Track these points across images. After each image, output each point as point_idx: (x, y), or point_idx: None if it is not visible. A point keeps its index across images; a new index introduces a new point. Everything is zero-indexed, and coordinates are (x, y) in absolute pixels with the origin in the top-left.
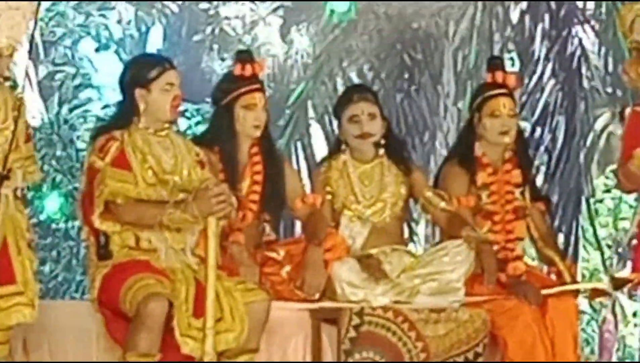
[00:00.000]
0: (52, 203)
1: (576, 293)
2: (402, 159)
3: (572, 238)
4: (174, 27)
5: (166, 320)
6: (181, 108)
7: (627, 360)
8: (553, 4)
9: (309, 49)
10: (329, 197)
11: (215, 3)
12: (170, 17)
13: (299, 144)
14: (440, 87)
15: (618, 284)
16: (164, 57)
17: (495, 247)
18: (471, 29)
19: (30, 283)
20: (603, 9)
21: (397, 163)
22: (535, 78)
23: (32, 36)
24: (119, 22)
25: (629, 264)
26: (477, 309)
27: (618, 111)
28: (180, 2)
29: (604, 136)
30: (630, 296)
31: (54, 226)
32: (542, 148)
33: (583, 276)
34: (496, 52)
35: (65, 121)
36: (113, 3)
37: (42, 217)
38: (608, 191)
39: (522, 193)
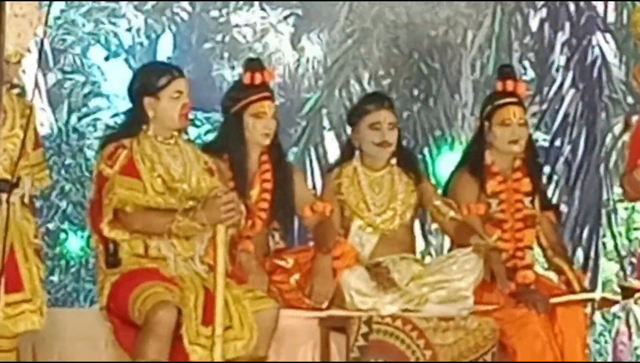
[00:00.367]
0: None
1: (585, 302)
2: (412, 167)
3: (593, 251)
4: (184, 35)
5: (175, 328)
6: (191, 116)
7: None
8: (573, 12)
9: (320, 57)
10: (340, 204)
11: (225, 11)
12: (180, 25)
13: (313, 153)
14: (458, 96)
15: (627, 293)
16: (173, 65)
17: (505, 255)
18: (489, 37)
19: (38, 291)
20: (624, 17)
21: (407, 171)
22: (554, 88)
23: (42, 44)
24: (129, 30)
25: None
26: (486, 317)
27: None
28: (190, 10)
29: (619, 144)
30: None
31: (63, 235)
32: (561, 160)
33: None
34: (515, 61)
35: (75, 130)
36: (123, 11)
37: (51, 226)
38: (621, 200)
39: (532, 202)
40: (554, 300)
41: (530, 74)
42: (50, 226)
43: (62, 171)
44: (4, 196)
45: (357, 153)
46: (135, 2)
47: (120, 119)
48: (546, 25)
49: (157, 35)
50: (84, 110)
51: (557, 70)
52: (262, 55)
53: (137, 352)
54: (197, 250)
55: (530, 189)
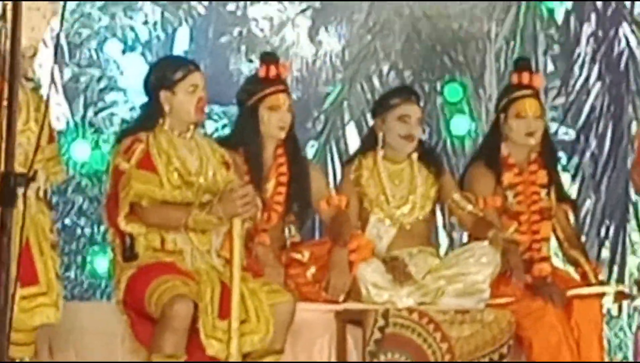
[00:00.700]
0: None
1: (601, 295)
2: (433, 162)
3: (620, 246)
4: (201, 28)
5: (191, 322)
6: (208, 110)
7: None
8: (599, 4)
9: (338, 50)
10: (359, 196)
11: (242, 4)
12: (197, 19)
13: (334, 148)
14: (482, 90)
15: None
16: (189, 59)
17: (521, 248)
18: (514, 29)
19: (54, 284)
20: None
21: (427, 165)
22: (580, 81)
23: (58, 38)
24: (145, 23)
25: None
26: (502, 310)
27: None
28: (207, 4)
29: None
30: None
31: (79, 231)
32: (587, 155)
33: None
34: (540, 54)
35: (91, 124)
36: (139, 4)
37: (67, 221)
38: None
39: (548, 194)
40: (570, 293)
41: (556, 66)
42: (67, 221)
43: (78, 166)
44: (21, 190)
45: (379, 144)
46: None
47: (136, 114)
48: (572, 17)
49: (174, 29)
50: (100, 104)
51: (583, 63)
52: (280, 48)
53: (153, 345)
54: (214, 244)
55: (546, 182)
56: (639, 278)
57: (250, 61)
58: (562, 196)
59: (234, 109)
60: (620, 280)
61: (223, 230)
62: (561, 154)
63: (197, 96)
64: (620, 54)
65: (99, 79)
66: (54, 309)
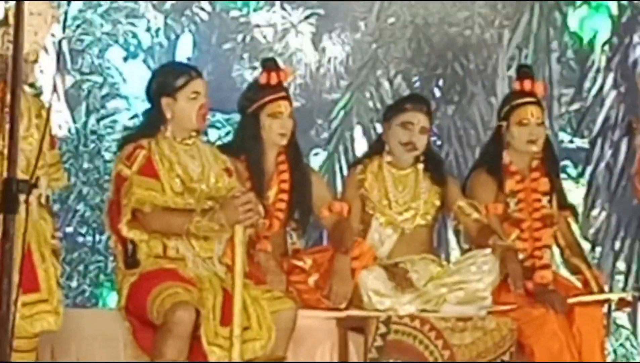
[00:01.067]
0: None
1: (603, 302)
2: (437, 170)
3: (635, 257)
4: (204, 35)
5: (193, 329)
6: (211, 118)
7: None
8: (614, 10)
9: (342, 57)
10: (362, 199)
11: (246, 10)
12: (200, 25)
13: (342, 156)
14: (494, 98)
15: None
16: (191, 66)
17: (523, 255)
18: (527, 36)
19: (54, 291)
20: None
21: (432, 172)
22: (594, 89)
23: (60, 45)
24: (148, 30)
25: None
26: (503, 317)
27: None
28: (210, 10)
29: None
30: None
31: (81, 239)
32: (602, 165)
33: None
34: (553, 61)
35: (93, 132)
36: (142, 11)
37: (69, 230)
38: None
39: (550, 201)
40: (571, 300)
41: (569, 74)
42: (68, 230)
43: (80, 174)
44: (23, 196)
45: (386, 149)
46: (155, 2)
47: (138, 121)
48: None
49: (177, 35)
50: (102, 112)
51: (598, 71)
52: (283, 55)
53: (155, 352)
54: (216, 251)
55: (548, 189)
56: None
57: (254, 68)
58: (563, 204)
59: (237, 117)
60: (638, 290)
61: (225, 236)
62: (575, 164)
63: (198, 103)
64: (635, 61)
65: (101, 86)
66: (55, 316)
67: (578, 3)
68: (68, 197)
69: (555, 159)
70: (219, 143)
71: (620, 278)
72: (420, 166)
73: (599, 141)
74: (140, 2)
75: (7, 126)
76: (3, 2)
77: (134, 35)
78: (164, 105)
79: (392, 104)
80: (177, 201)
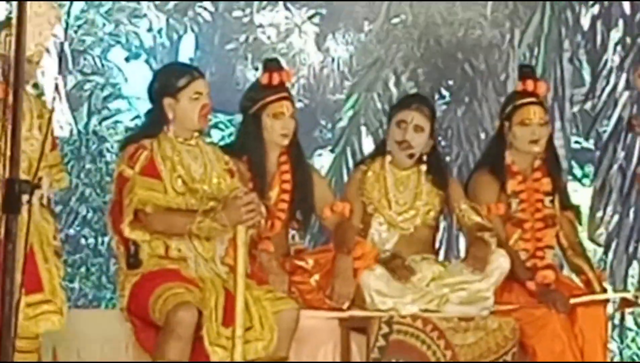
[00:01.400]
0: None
1: (605, 302)
2: (440, 172)
3: None
4: (207, 35)
5: (195, 329)
6: (214, 119)
7: None
8: (627, 9)
9: (346, 58)
10: (363, 199)
11: (249, 10)
12: (202, 25)
13: (350, 157)
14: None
15: None
16: (193, 66)
17: (525, 255)
18: (538, 36)
19: (58, 291)
20: None
21: (434, 175)
22: (607, 90)
23: (62, 47)
24: (150, 30)
25: None
26: (506, 318)
27: None
28: (213, 10)
29: None
30: None
31: (83, 241)
32: (615, 167)
33: None
34: (565, 61)
35: (95, 133)
36: (144, 11)
37: (71, 232)
38: None
39: (552, 202)
40: (574, 300)
41: (582, 75)
42: (70, 232)
43: (82, 176)
44: (25, 197)
45: (388, 148)
46: (157, 2)
47: (140, 122)
48: (598, 23)
49: (179, 35)
50: (104, 113)
51: (610, 71)
52: (287, 56)
53: (157, 352)
54: (218, 251)
55: (550, 189)
56: None
57: (257, 68)
58: (566, 204)
59: (240, 118)
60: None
61: (227, 237)
62: (587, 166)
63: (200, 103)
64: None
65: (103, 87)
66: (58, 316)
67: (591, 2)
68: (70, 199)
69: (558, 159)
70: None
71: (634, 281)
72: (423, 167)
73: (612, 143)
74: (143, 2)
75: (10, 127)
76: (4, 3)
77: (136, 36)
78: (166, 105)
79: (394, 104)
80: (179, 201)
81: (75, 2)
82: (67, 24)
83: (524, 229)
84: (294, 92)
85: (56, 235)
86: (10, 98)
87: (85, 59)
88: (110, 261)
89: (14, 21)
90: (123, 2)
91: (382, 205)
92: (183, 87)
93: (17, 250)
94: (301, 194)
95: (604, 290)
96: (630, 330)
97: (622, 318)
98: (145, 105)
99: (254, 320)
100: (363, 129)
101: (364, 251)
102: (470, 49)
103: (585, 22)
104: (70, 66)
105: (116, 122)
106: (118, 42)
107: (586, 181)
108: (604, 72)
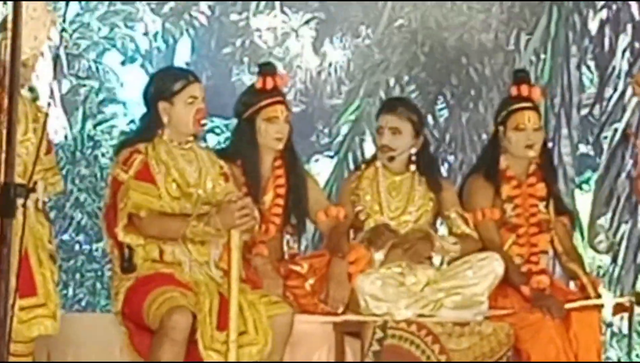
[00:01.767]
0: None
1: (600, 307)
2: (433, 175)
3: None
4: (203, 39)
5: (190, 333)
6: (210, 124)
7: None
8: (636, 13)
9: (343, 62)
10: (356, 204)
11: (245, 14)
12: (198, 29)
13: (351, 163)
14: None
15: None
16: (188, 70)
17: (519, 260)
18: (545, 40)
19: (52, 295)
20: None
21: (427, 178)
22: (616, 96)
23: (57, 50)
24: (146, 34)
25: None
26: (500, 322)
27: None
28: (209, 14)
29: None
30: None
31: (77, 247)
32: (623, 175)
33: None
34: (572, 67)
35: (90, 137)
36: (140, 14)
37: (66, 237)
38: None
39: (547, 207)
40: (568, 306)
41: (589, 81)
42: (65, 237)
43: (77, 181)
44: (20, 201)
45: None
46: (153, 6)
47: (135, 127)
48: (607, 28)
49: (175, 39)
50: (99, 117)
51: (619, 76)
52: (283, 60)
53: (151, 356)
54: (212, 255)
55: (545, 194)
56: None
57: (254, 73)
58: (560, 209)
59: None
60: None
61: (221, 241)
62: (594, 174)
63: (195, 108)
64: None
65: (98, 91)
66: (52, 320)
67: (599, 5)
68: (64, 204)
69: (553, 165)
70: (217, 148)
71: None
72: (412, 166)
73: (620, 150)
74: (138, 6)
75: (5, 131)
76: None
77: (132, 40)
78: (161, 109)
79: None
80: (173, 205)
81: (70, 6)
82: (62, 27)
83: (518, 234)
84: (290, 96)
85: (51, 239)
86: (6, 102)
87: (80, 63)
88: (105, 267)
89: (9, 25)
90: (118, 6)
91: (373, 210)
92: (178, 92)
93: (11, 254)
94: (295, 198)
95: (599, 295)
96: (626, 336)
97: (619, 325)
98: (140, 110)
99: (248, 324)
100: (365, 134)
101: (359, 256)
102: (475, 53)
103: (593, 27)
104: (65, 70)
105: (111, 126)
106: (113, 46)
107: (586, 187)
108: (612, 78)
